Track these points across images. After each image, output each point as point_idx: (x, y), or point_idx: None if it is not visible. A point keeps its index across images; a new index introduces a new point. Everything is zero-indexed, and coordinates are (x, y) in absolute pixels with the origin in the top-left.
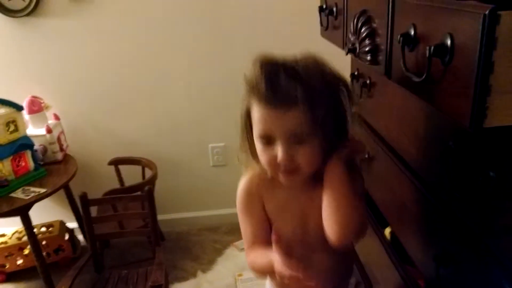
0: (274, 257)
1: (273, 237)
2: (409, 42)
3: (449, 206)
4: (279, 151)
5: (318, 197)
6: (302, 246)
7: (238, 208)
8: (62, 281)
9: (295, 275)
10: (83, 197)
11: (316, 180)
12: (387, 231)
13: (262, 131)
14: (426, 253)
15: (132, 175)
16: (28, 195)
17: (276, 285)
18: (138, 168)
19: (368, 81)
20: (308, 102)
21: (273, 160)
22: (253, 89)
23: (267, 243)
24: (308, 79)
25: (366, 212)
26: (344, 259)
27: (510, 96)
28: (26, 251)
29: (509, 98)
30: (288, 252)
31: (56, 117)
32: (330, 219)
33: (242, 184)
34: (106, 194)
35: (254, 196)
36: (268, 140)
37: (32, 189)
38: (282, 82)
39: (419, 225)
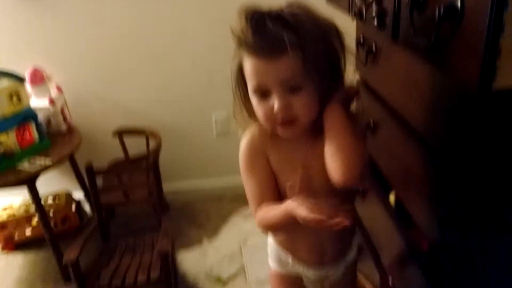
0: (291, 204)
1: (288, 185)
2: (418, 4)
3: (454, 169)
4: (275, 102)
5: (319, 147)
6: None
7: (243, 167)
8: (70, 249)
9: (320, 218)
10: (89, 167)
11: (316, 130)
12: (391, 196)
13: (256, 84)
14: (431, 217)
15: (136, 145)
16: (34, 166)
17: (279, 244)
18: (142, 138)
19: (373, 47)
20: (298, 48)
21: (269, 113)
22: (241, 42)
23: (274, 200)
24: (296, 24)
25: (367, 154)
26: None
27: None
28: (34, 222)
29: None
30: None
31: (59, 89)
32: (333, 160)
33: (244, 142)
34: (111, 164)
35: (258, 152)
36: (263, 93)
37: (38, 160)
38: (269, 29)
39: (424, 189)
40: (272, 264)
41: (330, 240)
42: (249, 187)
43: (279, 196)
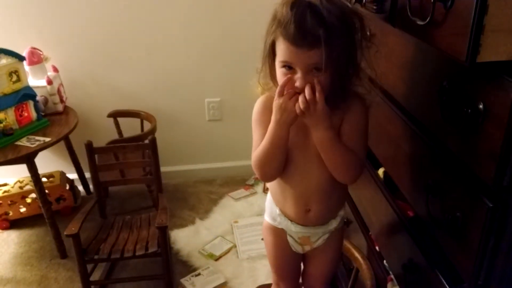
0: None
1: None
2: None
3: (440, 141)
4: (297, 79)
5: None
6: (303, 155)
7: (253, 118)
8: (71, 224)
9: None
10: (89, 145)
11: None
12: (380, 171)
13: (285, 62)
14: (417, 187)
15: (130, 128)
16: (33, 144)
17: (273, 197)
18: (137, 121)
19: (367, 32)
20: (328, 43)
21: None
22: (282, 27)
23: None
24: (330, 20)
25: (363, 161)
26: (337, 184)
27: (500, 34)
28: (29, 200)
29: (499, 36)
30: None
31: (55, 69)
32: (332, 171)
33: (260, 99)
34: (109, 144)
35: (269, 110)
36: (289, 69)
37: (37, 138)
38: (308, 25)
39: (411, 162)
40: (266, 217)
41: (315, 199)
42: (254, 136)
43: None
